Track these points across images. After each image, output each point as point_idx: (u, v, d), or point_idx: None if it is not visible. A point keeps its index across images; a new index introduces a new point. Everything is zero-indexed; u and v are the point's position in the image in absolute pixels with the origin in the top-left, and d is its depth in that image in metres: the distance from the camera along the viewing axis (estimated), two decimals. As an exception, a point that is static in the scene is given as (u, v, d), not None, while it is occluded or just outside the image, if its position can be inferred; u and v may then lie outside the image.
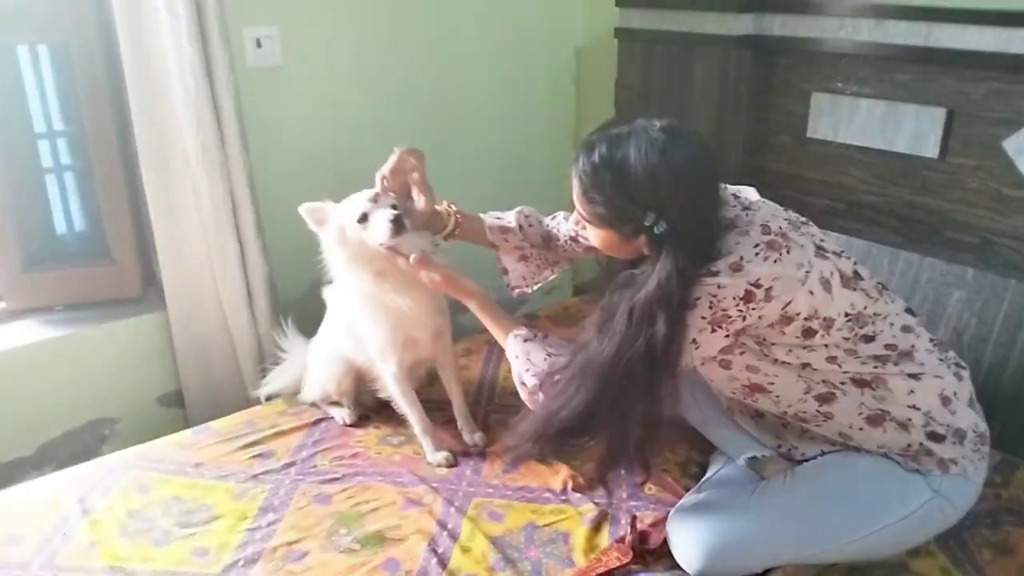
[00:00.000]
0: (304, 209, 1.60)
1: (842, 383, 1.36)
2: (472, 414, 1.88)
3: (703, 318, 1.26)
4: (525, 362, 1.47)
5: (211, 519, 1.53)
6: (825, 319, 1.29)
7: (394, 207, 1.57)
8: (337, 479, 1.66)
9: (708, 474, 1.60)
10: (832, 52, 1.99)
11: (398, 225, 1.53)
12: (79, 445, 2.09)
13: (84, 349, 2.06)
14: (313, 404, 1.90)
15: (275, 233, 2.12)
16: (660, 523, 1.48)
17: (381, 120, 2.37)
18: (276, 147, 2.17)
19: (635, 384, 1.28)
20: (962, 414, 1.38)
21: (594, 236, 1.35)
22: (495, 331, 1.58)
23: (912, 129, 1.91)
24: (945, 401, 1.37)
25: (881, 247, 1.89)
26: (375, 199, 1.59)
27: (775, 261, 1.24)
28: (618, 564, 1.38)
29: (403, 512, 1.55)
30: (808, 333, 1.30)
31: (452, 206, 1.71)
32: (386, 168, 1.62)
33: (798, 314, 1.27)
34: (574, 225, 1.47)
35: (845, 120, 2.01)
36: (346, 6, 2.21)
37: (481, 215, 1.75)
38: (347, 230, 1.59)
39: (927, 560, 1.41)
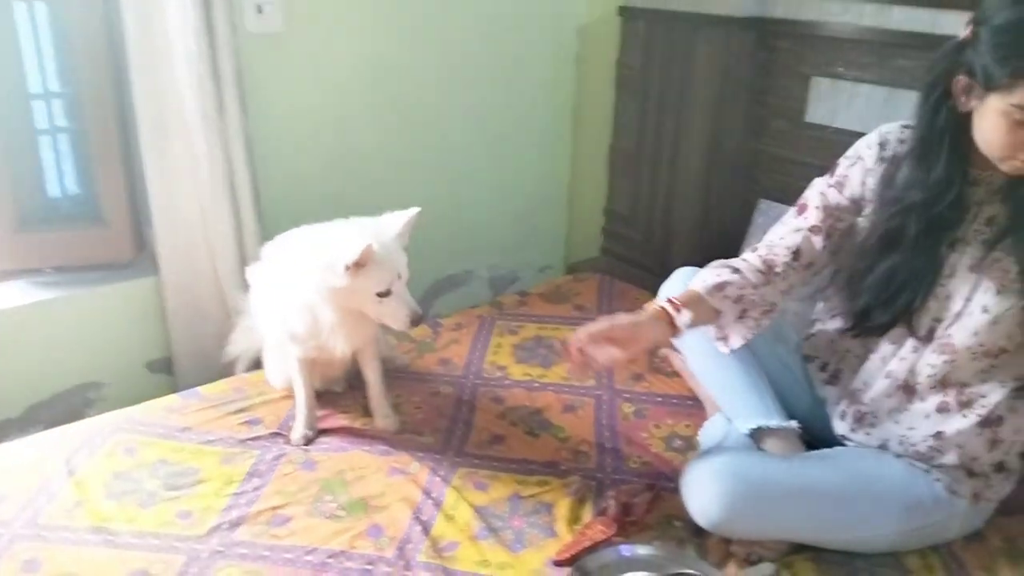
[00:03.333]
0: (368, 250, 1.43)
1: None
2: (460, 387, 1.89)
3: None
4: None
5: (197, 482, 1.54)
6: None
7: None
8: (324, 447, 1.66)
9: (715, 440, 1.56)
10: (834, 36, 1.98)
11: (417, 323, 1.56)
12: (66, 408, 2.08)
13: (74, 312, 2.05)
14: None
15: (272, 199, 2.11)
16: (642, 495, 1.49)
17: (380, 91, 2.36)
18: (275, 114, 2.15)
19: None
20: (1019, 454, 1.40)
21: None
22: None
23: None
24: None
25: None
26: (399, 275, 1.53)
27: None
28: (603, 537, 1.39)
29: (388, 480, 1.56)
30: None
31: (669, 302, 1.38)
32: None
33: None
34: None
35: (844, 105, 2.00)
36: (348, -23, 2.19)
37: (694, 285, 1.42)
38: (359, 293, 1.51)
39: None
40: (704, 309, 1.39)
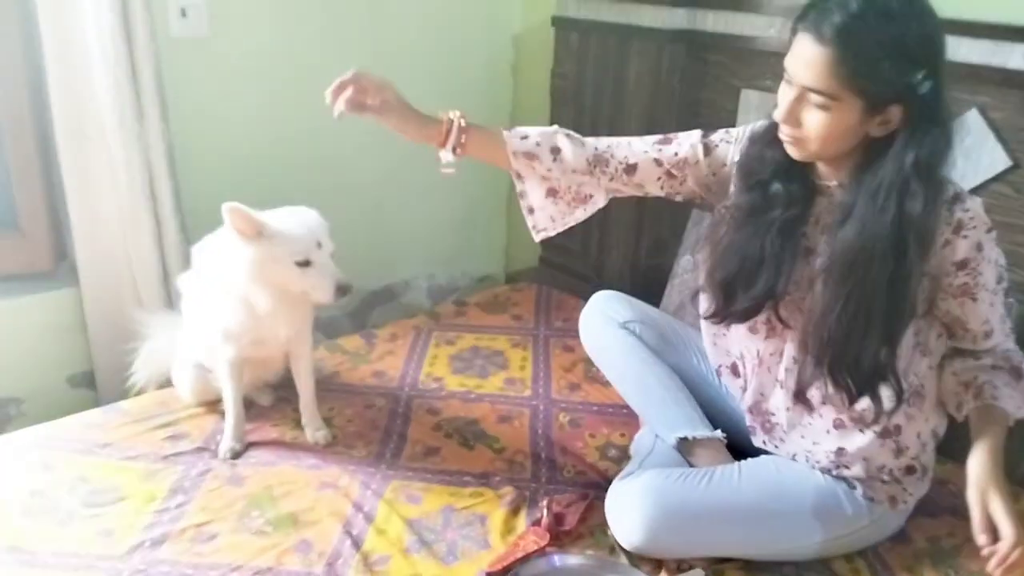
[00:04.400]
0: (231, 211, 1.44)
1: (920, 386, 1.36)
2: (395, 399, 1.86)
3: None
4: None
5: (118, 500, 1.48)
6: None
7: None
8: (252, 461, 1.62)
9: (641, 455, 1.56)
10: (762, 50, 2.03)
11: (344, 292, 1.51)
12: (-19, 425, 2.00)
13: (-11, 325, 1.97)
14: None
15: (196, 208, 2.05)
16: (575, 505, 1.49)
17: (310, 100, 2.30)
18: (199, 122, 2.10)
19: (879, 286, 1.19)
20: (932, 452, 1.43)
21: (825, 120, 1.17)
22: None
23: (835, 128, 1.95)
24: (934, 436, 1.41)
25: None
26: (319, 244, 1.50)
27: None
28: (535, 548, 1.38)
29: (318, 494, 1.52)
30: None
31: (462, 120, 1.44)
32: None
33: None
34: (784, 120, 1.22)
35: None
36: (277, -19, 2.16)
37: (504, 132, 1.48)
38: (278, 262, 1.49)
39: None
40: (495, 155, 1.47)
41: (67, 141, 1.88)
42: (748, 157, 1.36)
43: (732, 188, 1.40)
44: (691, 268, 2.05)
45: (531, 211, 1.54)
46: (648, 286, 2.16)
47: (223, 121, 2.16)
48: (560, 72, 2.45)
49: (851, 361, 1.25)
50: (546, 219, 1.54)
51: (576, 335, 1.76)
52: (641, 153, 1.47)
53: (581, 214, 1.54)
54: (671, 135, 1.50)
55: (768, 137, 1.30)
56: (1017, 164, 1.67)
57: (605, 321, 1.67)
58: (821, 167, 1.30)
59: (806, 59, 1.15)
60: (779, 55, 1.97)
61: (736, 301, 1.37)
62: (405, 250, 2.70)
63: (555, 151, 1.46)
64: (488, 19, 2.63)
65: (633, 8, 2.20)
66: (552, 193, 1.51)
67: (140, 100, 1.87)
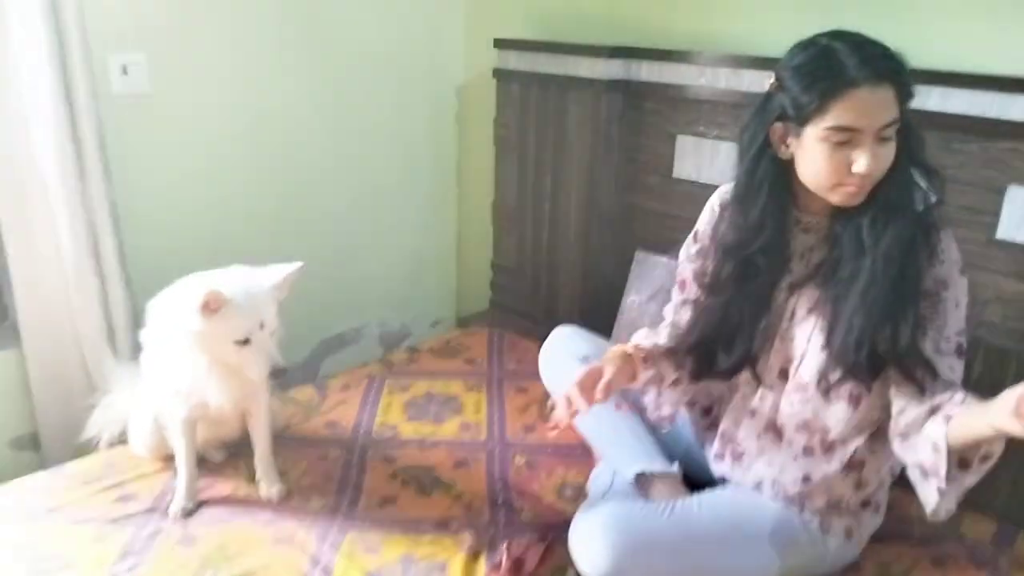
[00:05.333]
0: (211, 295, 1.42)
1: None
2: (349, 449, 1.85)
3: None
4: None
5: (65, 567, 1.44)
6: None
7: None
8: (204, 520, 1.59)
9: (599, 491, 1.58)
10: (694, 99, 2.11)
11: (277, 375, 1.55)
12: (-84, 496, 1.91)
13: (-75, 390, 1.91)
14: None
15: (142, 266, 2.03)
16: (534, 547, 1.49)
17: (256, 155, 2.33)
18: (144, 178, 2.09)
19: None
20: (887, 490, 1.48)
21: (892, 145, 1.23)
22: None
23: (767, 169, 2.03)
24: (891, 474, 1.46)
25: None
26: (261, 325, 1.50)
27: None
28: (495, 592, 1.39)
29: (273, 551, 1.50)
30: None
31: (643, 353, 1.48)
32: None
33: None
34: (874, 167, 1.21)
35: (707, 162, 2.13)
36: (220, 37, 2.17)
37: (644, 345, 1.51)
38: (217, 339, 1.48)
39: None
40: (656, 370, 1.49)
41: (6, 200, 1.85)
42: (725, 230, 1.41)
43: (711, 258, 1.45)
44: (637, 307, 2.11)
45: (660, 408, 1.57)
46: (596, 326, 2.19)
47: (168, 177, 2.16)
48: (503, 122, 2.51)
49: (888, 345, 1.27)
50: (670, 407, 1.58)
51: (530, 376, 1.79)
52: (682, 308, 1.54)
53: (684, 397, 1.57)
54: (677, 275, 1.56)
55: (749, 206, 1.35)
56: (940, 201, 1.76)
57: (565, 355, 1.71)
58: (814, 205, 1.34)
59: (875, 104, 1.19)
60: (711, 102, 2.09)
61: (718, 364, 1.45)
62: (356, 298, 2.70)
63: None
64: (432, 72, 2.69)
65: (571, 60, 2.27)
66: (676, 382, 1.53)
67: (82, 158, 1.86)
